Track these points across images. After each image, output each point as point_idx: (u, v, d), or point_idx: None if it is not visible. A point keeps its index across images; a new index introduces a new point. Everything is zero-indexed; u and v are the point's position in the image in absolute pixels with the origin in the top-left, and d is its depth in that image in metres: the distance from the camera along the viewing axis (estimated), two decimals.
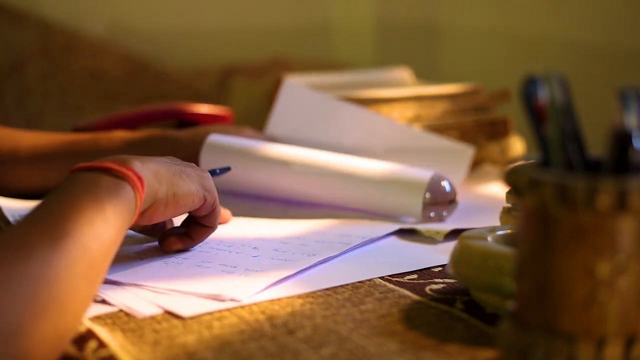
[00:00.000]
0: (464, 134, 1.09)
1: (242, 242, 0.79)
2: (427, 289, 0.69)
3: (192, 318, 0.62)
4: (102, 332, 0.60)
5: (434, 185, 0.88)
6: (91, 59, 1.48)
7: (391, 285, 0.69)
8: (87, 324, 0.61)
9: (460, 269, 0.64)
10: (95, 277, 0.59)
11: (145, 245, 0.77)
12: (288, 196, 0.93)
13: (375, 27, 1.81)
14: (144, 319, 0.62)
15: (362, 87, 1.14)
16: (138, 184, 0.65)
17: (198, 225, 0.76)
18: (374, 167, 0.90)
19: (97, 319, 0.62)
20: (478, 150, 1.06)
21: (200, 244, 0.77)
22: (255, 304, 0.65)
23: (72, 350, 0.58)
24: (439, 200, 0.88)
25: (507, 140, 1.13)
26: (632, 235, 0.49)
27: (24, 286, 0.53)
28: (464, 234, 0.67)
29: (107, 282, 0.67)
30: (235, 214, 0.88)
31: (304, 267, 0.72)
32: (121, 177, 0.64)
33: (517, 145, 1.14)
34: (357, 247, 0.79)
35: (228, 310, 0.64)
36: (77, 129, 1.07)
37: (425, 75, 1.36)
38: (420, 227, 0.85)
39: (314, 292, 0.67)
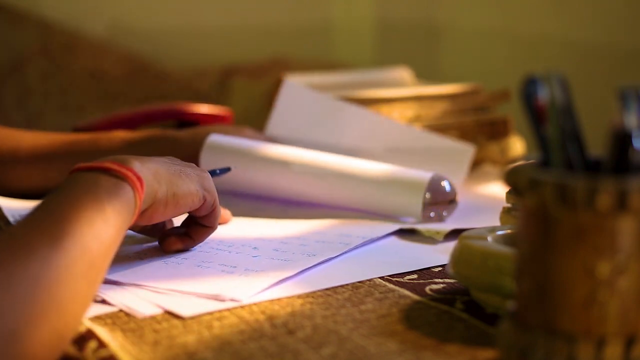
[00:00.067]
0: (464, 134, 1.09)
1: (242, 242, 0.79)
2: (427, 289, 0.69)
3: (192, 318, 0.62)
4: (102, 332, 0.60)
5: (434, 185, 0.88)
6: (91, 59, 1.48)
7: (391, 285, 0.69)
8: (87, 324, 0.61)
9: (460, 269, 0.64)
10: (95, 278, 0.59)
11: (145, 245, 0.77)
12: (288, 196, 0.93)
13: (375, 27, 1.81)
14: (144, 319, 0.62)
15: (362, 87, 1.14)
16: (137, 184, 0.65)
17: (198, 226, 0.76)
18: (374, 168, 0.90)
19: (97, 319, 0.62)
20: (478, 150, 1.06)
21: (200, 244, 0.77)
22: (255, 304, 0.65)
23: (72, 350, 0.58)
24: (439, 200, 0.88)
25: (507, 140, 1.13)
26: (632, 235, 0.49)
27: (23, 286, 0.53)
28: (464, 234, 0.67)
29: (107, 282, 0.67)
30: (235, 214, 0.88)
31: (304, 267, 0.72)
32: (121, 177, 0.64)
33: (517, 145, 1.14)
34: (357, 247, 0.79)
35: (228, 310, 0.64)
36: (77, 129, 1.07)
37: (425, 75, 1.36)
38: (420, 227, 0.85)
39: (314, 292, 0.67)
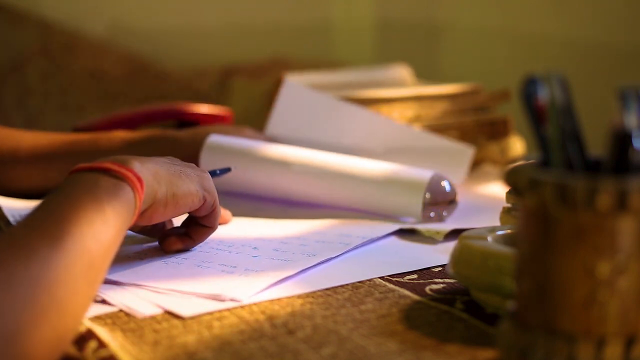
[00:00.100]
0: (464, 134, 1.09)
1: (242, 242, 0.79)
2: (427, 289, 0.69)
3: (192, 318, 0.62)
4: (102, 332, 0.60)
5: (434, 185, 0.88)
6: (91, 59, 1.48)
7: (391, 285, 0.69)
8: (87, 324, 0.61)
9: (460, 269, 0.64)
10: (95, 278, 0.59)
11: (145, 245, 0.77)
12: (288, 196, 0.92)
13: (375, 26, 1.81)
14: (144, 319, 0.62)
15: (362, 87, 1.14)
16: (137, 184, 0.65)
17: (198, 226, 0.76)
18: (374, 167, 0.90)
19: (97, 319, 0.62)
20: (478, 150, 1.06)
21: (200, 244, 0.77)
22: (255, 304, 0.65)
23: (72, 350, 0.58)
24: (439, 200, 0.88)
25: (507, 140, 1.13)
26: (632, 235, 0.49)
27: (23, 287, 0.53)
28: (464, 234, 0.67)
29: (107, 282, 0.67)
30: (235, 214, 0.88)
31: (304, 267, 0.72)
32: (120, 177, 0.64)
33: (517, 145, 1.14)
34: (357, 247, 0.79)
35: (228, 310, 0.64)
36: (77, 129, 1.07)
37: (425, 74, 1.36)
38: (420, 227, 0.85)
39: (314, 292, 0.67)
